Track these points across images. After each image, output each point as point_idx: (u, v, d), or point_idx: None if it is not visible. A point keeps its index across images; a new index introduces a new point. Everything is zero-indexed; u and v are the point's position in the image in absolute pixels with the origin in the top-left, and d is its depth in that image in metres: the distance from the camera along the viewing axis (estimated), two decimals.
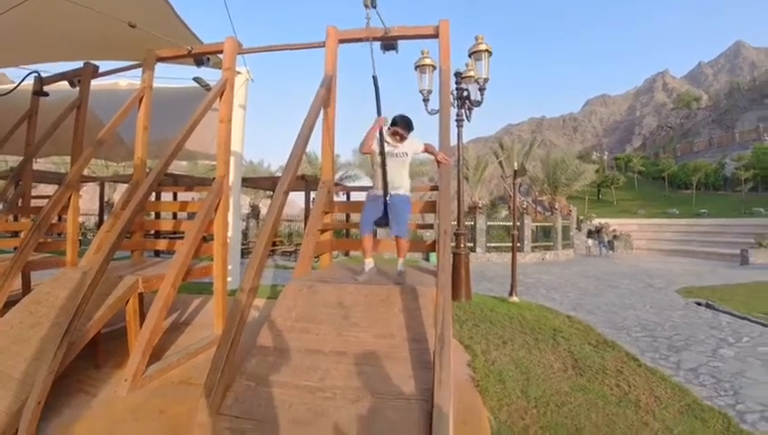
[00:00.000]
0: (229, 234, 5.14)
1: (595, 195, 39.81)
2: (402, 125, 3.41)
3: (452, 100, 7.53)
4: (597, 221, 27.94)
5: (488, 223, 17.81)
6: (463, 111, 7.67)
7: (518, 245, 17.20)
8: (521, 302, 7.22)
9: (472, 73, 7.39)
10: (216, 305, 4.60)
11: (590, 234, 25.23)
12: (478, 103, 7.54)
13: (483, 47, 7.00)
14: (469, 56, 7.25)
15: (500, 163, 25.37)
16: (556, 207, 25.55)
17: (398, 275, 3.37)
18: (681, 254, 22.63)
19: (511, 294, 7.43)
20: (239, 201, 5.85)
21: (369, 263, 3.48)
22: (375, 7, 3.51)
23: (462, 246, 7.52)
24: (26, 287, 5.07)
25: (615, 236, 24.33)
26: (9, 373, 3.03)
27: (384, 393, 2.10)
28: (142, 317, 3.79)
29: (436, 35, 4.19)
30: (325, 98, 4.01)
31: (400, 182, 3.48)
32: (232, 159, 5.19)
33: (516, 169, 8.20)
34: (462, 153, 7.98)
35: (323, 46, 4.30)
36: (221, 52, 4.75)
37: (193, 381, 3.45)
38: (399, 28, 4.24)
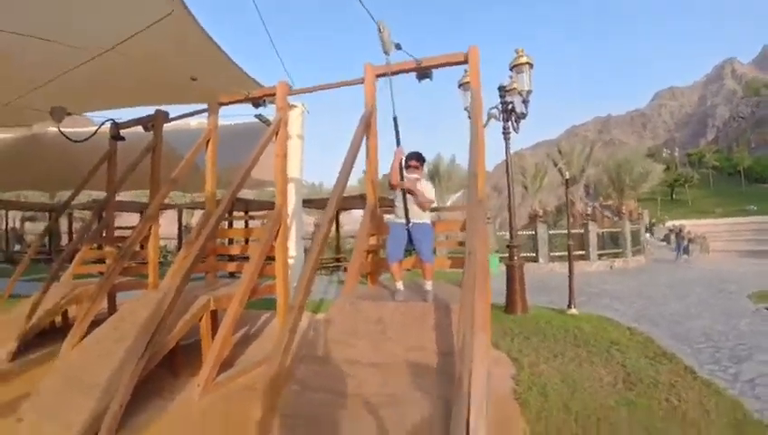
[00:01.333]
0: (293, 253, 5.60)
1: (668, 195, 37.10)
2: (416, 159, 3.91)
3: (497, 113, 7.63)
4: (670, 223, 26.02)
5: (551, 232, 17.10)
6: (509, 123, 7.72)
7: (583, 253, 16.51)
8: (579, 314, 7.02)
9: (515, 86, 7.43)
10: (278, 320, 5.04)
11: (666, 238, 23.52)
12: (524, 115, 7.56)
13: (524, 60, 7.09)
14: (511, 69, 7.33)
15: (559, 170, 24.49)
16: (623, 211, 24.17)
17: (426, 294, 3.68)
18: (760, 255, 20.52)
19: (569, 306, 7.26)
20: (301, 223, 6.29)
21: (400, 285, 3.84)
22: (400, 49, 3.85)
23: (515, 258, 7.52)
24: (112, 307, 5.74)
25: (690, 240, 22.52)
26: (95, 382, 3.50)
27: (412, 401, 2.33)
28: (215, 331, 4.27)
29: (465, 61, 4.42)
30: (366, 131, 4.37)
31: (420, 212, 3.80)
32: (292, 186, 5.67)
33: (567, 177, 8.07)
34: (510, 164, 7.96)
35: (362, 83, 4.66)
36: (274, 94, 5.28)
37: (257, 387, 3.86)
38: (431, 58, 4.51)
